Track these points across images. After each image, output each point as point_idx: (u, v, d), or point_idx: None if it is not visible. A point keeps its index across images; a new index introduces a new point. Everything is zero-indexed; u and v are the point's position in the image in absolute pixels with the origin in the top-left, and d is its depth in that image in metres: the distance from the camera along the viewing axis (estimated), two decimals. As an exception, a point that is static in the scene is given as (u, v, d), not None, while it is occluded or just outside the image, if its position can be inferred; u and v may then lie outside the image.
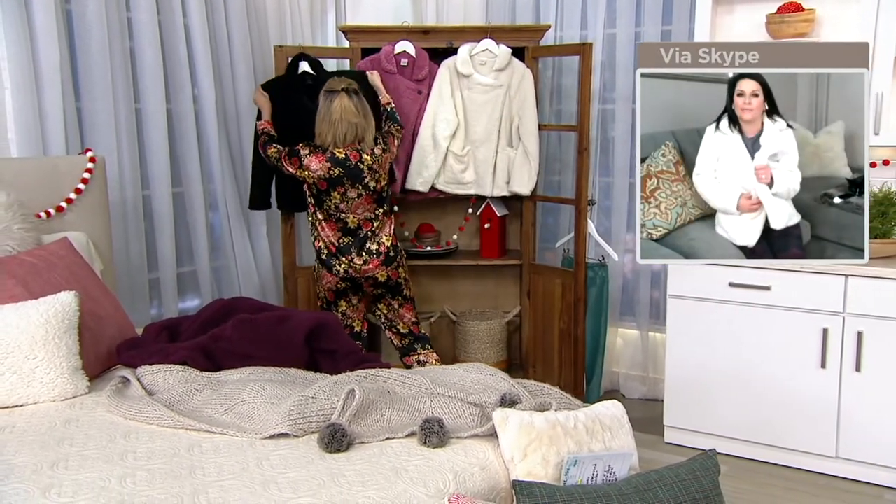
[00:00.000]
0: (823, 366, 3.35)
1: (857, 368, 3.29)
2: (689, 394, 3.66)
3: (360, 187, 3.49)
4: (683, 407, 3.69)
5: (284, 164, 3.52)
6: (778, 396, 3.46)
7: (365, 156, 3.47)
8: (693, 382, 3.63)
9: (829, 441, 3.38)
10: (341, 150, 3.44)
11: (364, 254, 3.54)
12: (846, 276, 3.27)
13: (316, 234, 3.59)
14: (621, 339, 4.50)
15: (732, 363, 3.54)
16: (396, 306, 3.75)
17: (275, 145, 3.57)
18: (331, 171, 3.43)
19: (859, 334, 3.27)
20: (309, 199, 3.58)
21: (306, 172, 3.46)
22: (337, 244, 3.53)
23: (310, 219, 3.63)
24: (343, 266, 3.54)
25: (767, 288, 3.42)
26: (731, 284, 3.49)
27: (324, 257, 3.57)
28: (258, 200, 3.89)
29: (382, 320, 3.82)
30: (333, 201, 3.49)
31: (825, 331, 3.33)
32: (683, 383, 3.66)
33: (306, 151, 3.46)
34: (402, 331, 3.79)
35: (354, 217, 3.53)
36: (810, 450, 3.43)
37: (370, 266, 3.56)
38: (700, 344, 3.60)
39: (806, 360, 3.39)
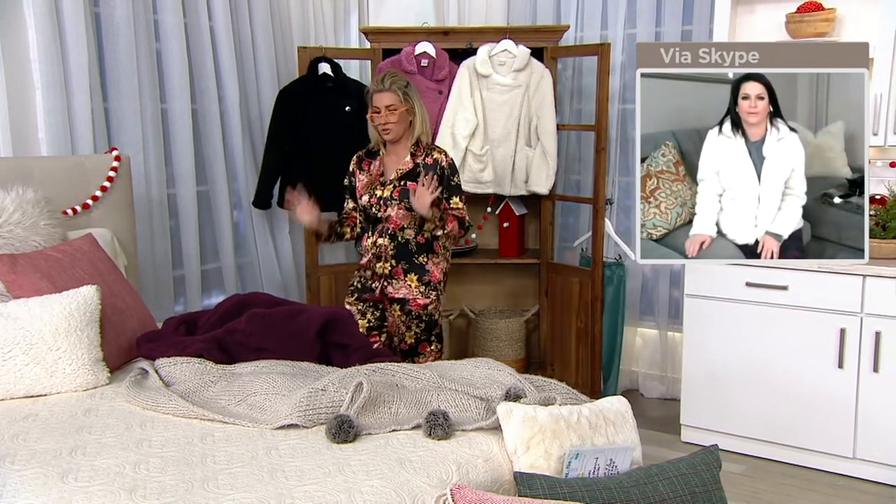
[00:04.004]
0: (841, 366, 3.33)
1: (875, 369, 3.27)
2: (706, 393, 3.65)
3: None
4: (700, 406, 3.68)
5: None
6: (795, 396, 3.45)
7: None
8: (710, 382, 3.63)
9: (847, 442, 3.36)
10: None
11: None
12: (864, 276, 3.24)
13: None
14: (640, 339, 4.50)
15: (749, 363, 3.53)
16: None
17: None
18: None
19: (877, 334, 3.24)
20: None
21: None
22: None
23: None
24: None
25: (784, 288, 3.41)
26: (748, 284, 3.48)
27: None
28: (261, 199, 4.00)
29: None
30: None
31: (842, 331, 3.31)
32: (700, 382, 3.66)
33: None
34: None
35: None
36: (827, 450, 3.41)
37: None
38: (717, 343, 3.59)
39: (823, 360, 3.37)
